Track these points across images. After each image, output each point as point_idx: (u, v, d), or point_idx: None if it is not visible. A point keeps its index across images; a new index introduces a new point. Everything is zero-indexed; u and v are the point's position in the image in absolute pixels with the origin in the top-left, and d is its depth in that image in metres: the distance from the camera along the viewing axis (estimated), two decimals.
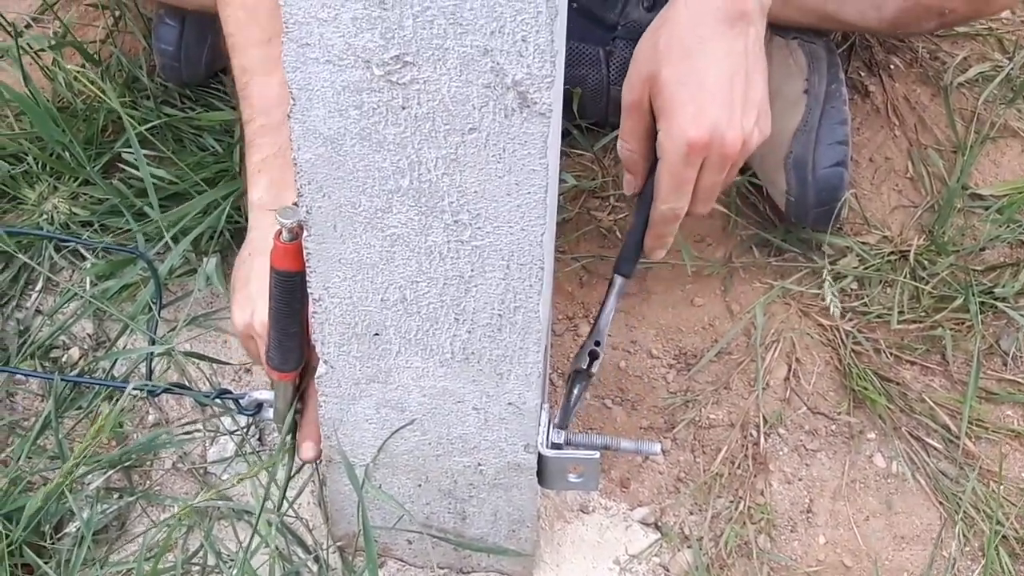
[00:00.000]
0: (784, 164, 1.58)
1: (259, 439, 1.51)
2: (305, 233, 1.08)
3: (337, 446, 1.29)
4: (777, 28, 1.64)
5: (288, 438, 1.35)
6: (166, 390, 1.38)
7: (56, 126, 1.61)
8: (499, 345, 1.15)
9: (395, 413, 1.24)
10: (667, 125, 1.27)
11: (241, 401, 1.36)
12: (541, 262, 1.06)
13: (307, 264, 1.10)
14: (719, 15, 1.26)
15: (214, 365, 1.54)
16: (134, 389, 1.36)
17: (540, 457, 1.30)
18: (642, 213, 1.36)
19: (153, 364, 1.48)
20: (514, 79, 0.93)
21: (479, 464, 1.28)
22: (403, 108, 0.96)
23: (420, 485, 1.32)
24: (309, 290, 1.13)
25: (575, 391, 1.37)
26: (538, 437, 1.28)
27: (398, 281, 1.10)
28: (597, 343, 1.35)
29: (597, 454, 1.30)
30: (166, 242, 1.57)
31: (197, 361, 1.52)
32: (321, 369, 1.21)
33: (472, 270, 1.08)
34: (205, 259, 1.55)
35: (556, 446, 1.31)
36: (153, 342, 1.43)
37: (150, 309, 1.49)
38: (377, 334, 1.15)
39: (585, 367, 1.37)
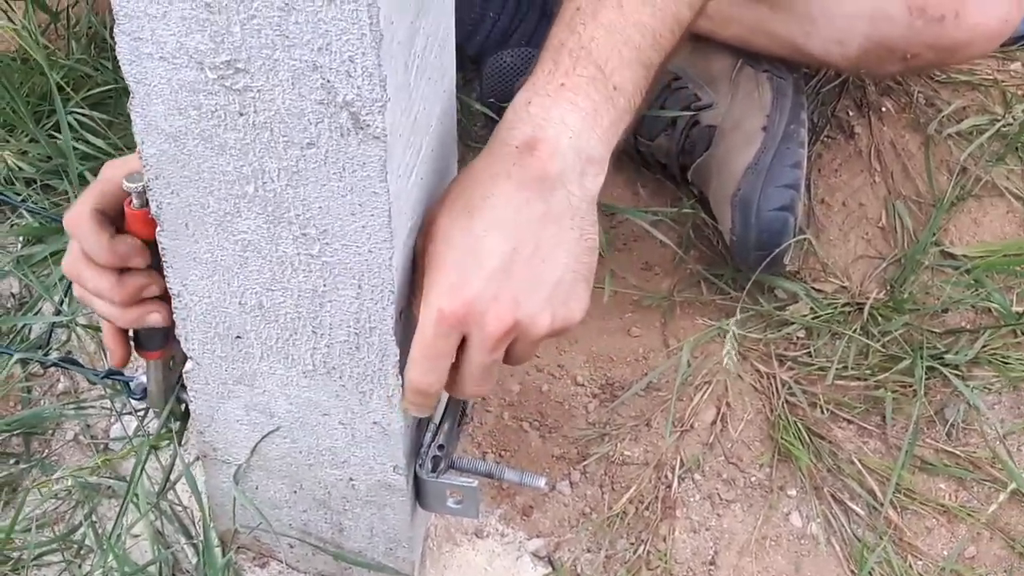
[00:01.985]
0: (731, 201, 1.53)
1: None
2: (158, 228, 1.05)
3: (210, 443, 1.26)
4: (749, 57, 1.59)
5: (169, 423, 1.32)
6: (55, 364, 1.35)
7: None
8: (359, 364, 1.11)
9: (264, 417, 1.21)
10: (425, 287, 1.06)
11: (131, 384, 1.33)
12: (392, 285, 1.03)
13: (163, 259, 1.07)
14: (514, 175, 1.05)
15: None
16: (21, 359, 1.33)
17: (417, 479, 1.26)
18: None
19: (63, 335, 1.45)
20: (345, 99, 0.89)
21: (351, 479, 1.25)
22: (240, 115, 0.93)
23: (295, 492, 1.29)
24: (168, 285, 1.10)
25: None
26: (416, 459, 1.25)
27: (254, 287, 1.07)
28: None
29: (475, 482, 1.26)
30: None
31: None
32: (188, 365, 1.18)
33: (325, 285, 1.04)
34: None
35: (436, 470, 1.28)
36: (58, 312, 1.40)
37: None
38: (239, 337, 1.12)
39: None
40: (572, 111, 1.07)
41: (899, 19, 1.46)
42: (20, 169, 1.63)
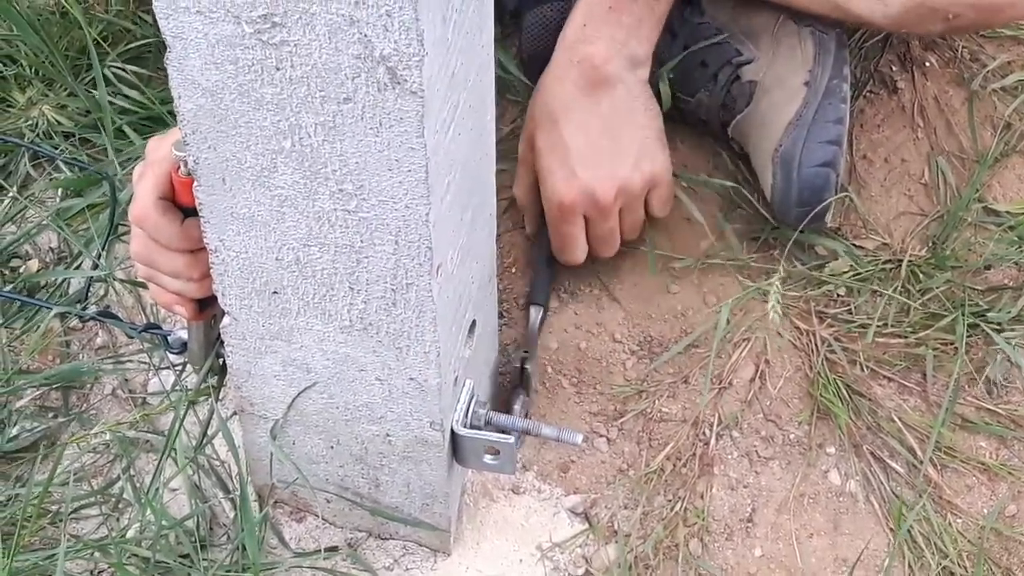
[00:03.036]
0: (773, 157, 1.52)
1: None
2: (196, 183, 1.04)
3: (247, 398, 1.26)
4: (790, 13, 1.56)
5: (207, 379, 1.32)
6: (93, 318, 1.36)
7: (36, 33, 1.59)
8: (395, 320, 1.11)
9: (301, 373, 1.21)
10: (543, 188, 1.44)
11: (168, 338, 1.34)
12: (429, 241, 1.02)
13: (200, 215, 1.07)
14: (579, 83, 1.41)
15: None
16: (60, 312, 1.34)
17: (454, 435, 1.26)
18: (543, 249, 1.54)
19: (101, 289, 1.45)
20: (382, 53, 0.88)
21: (387, 435, 1.25)
22: (277, 69, 0.92)
23: (332, 447, 1.29)
24: (205, 241, 1.10)
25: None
26: (453, 414, 1.25)
27: (290, 242, 1.06)
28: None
29: (512, 438, 1.26)
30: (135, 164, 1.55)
31: (143, 290, 1.50)
32: (225, 320, 1.18)
33: (362, 241, 1.04)
34: None
35: (475, 426, 1.28)
36: (96, 266, 1.41)
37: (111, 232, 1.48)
38: (276, 292, 1.12)
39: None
40: (619, 28, 1.41)
41: None
42: (58, 123, 1.63)
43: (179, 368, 1.45)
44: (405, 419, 1.22)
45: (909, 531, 1.44)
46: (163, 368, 1.46)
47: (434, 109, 0.94)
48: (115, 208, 1.44)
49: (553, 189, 1.43)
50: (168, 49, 0.94)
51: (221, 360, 1.31)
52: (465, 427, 1.26)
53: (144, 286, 1.47)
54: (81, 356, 1.51)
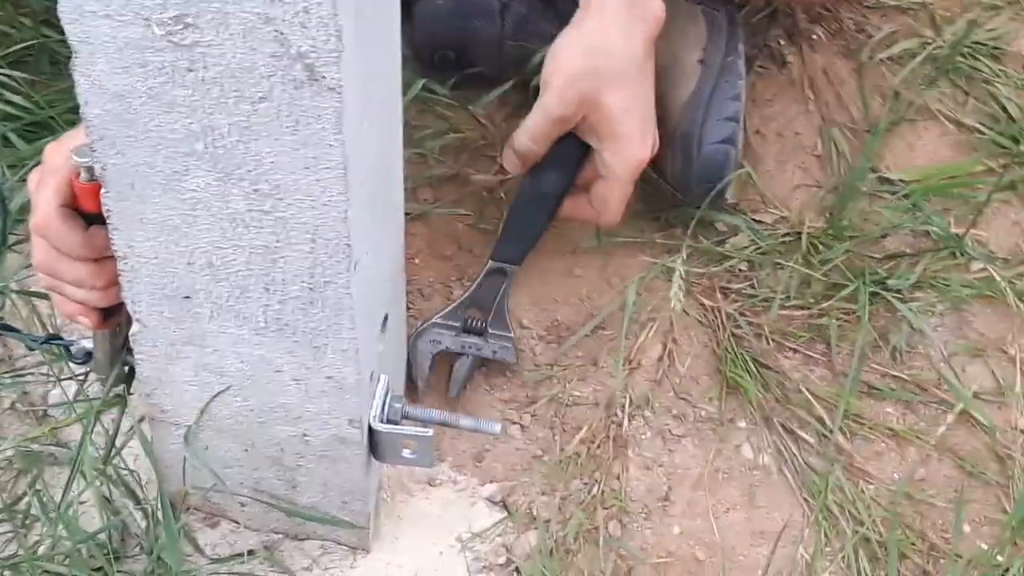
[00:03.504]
0: (672, 137, 1.52)
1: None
2: (103, 190, 1.02)
3: (158, 405, 1.24)
4: None
5: (113, 389, 1.29)
6: None
7: None
8: (312, 319, 1.09)
9: (214, 377, 1.18)
10: (617, 147, 1.41)
11: (71, 348, 1.30)
12: (347, 239, 1.01)
13: (108, 221, 1.04)
14: (646, 41, 1.39)
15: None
16: None
17: (371, 431, 1.25)
18: (527, 198, 1.49)
19: None
20: (299, 51, 0.87)
21: (304, 435, 1.23)
22: (189, 71, 0.90)
23: (247, 450, 1.27)
24: (113, 247, 1.07)
25: (463, 368, 1.46)
26: (370, 411, 1.23)
27: (203, 246, 1.04)
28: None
29: (431, 431, 1.25)
30: (24, 173, 1.51)
31: (39, 301, 1.46)
32: (135, 327, 1.15)
33: (278, 241, 1.02)
34: None
35: (392, 420, 1.26)
36: None
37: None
38: (187, 297, 1.10)
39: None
40: None
41: None
42: None
43: (81, 378, 1.42)
44: (323, 418, 1.20)
45: (824, 501, 1.45)
46: (63, 379, 1.43)
47: (351, 105, 0.92)
48: (5, 218, 1.40)
49: (632, 150, 1.41)
50: (75, 54, 0.91)
51: (127, 368, 1.28)
52: (382, 423, 1.25)
53: (44, 296, 1.43)
54: None
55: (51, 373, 1.44)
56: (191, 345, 1.15)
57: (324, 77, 0.88)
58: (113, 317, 1.21)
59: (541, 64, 1.50)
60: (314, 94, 0.89)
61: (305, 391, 1.17)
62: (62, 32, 1.60)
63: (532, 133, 1.43)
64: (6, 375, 1.45)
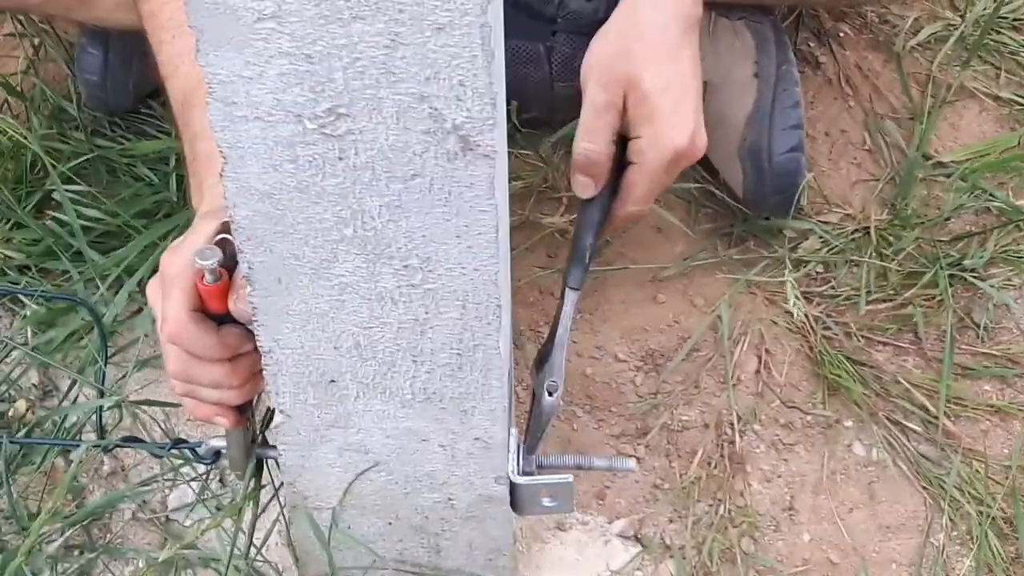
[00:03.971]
0: (739, 152, 1.54)
1: (220, 481, 1.46)
2: (249, 288, 1.02)
3: (300, 492, 1.24)
4: (720, 8, 1.59)
5: (251, 484, 1.30)
6: (118, 445, 1.32)
7: None
8: (461, 383, 1.10)
9: (359, 456, 1.19)
10: (651, 131, 1.30)
11: (198, 450, 1.31)
12: (498, 300, 1.01)
13: (254, 318, 1.05)
14: (683, 22, 1.31)
15: (167, 409, 1.48)
16: (87, 448, 1.30)
17: (512, 485, 1.25)
18: (592, 215, 1.35)
19: (104, 415, 1.42)
20: (454, 123, 0.88)
21: (450, 499, 1.24)
22: (340, 159, 0.91)
23: (390, 523, 1.27)
24: (258, 342, 1.08)
25: (541, 417, 1.33)
26: (508, 466, 1.24)
27: (350, 328, 1.05)
28: (553, 381, 1.30)
29: (570, 477, 1.26)
30: (109, 283, 1.52)
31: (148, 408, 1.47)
32: (278, 419, 1.16)
33: (427, 312, 1.03)
34: None
35: (527, 472, 1.27)
36: (102, 394, 1.37)
37: (96, 359, 1.44)
38: (333, 381, 1.10)
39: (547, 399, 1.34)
40: None
41: None
42: (9, 258, 1.59)
43: (204, 478, 1.43)
44: (469, 480, 1.21)
45: (942, 485, 1.46)
46: (189, 480, 1.43)
47: (500, 168, 0.93)
48: (103, 331, 1.40)
49: (668, 134, 1.30)
50: (225, 160, 0.92)
51: (259, 461, 1.29)
52: (520, 475, 1.25)
53: (151, 402, 1.44)
54: (92, 487, 1.47)
55: (177, 478, 1.44)
56: (335, 428, 1.16)
57: (479, 145, 0.89)
58: (246, 412, 1.21)
59: None
60: (468, 163, 0.90)
61: (452, 456, 1.18)
62: (114, 141, 1.64)
63: (585, 131, 1.34)
64: (139, 487, 1.45)
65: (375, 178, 0.92)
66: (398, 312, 1.03)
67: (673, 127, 1.29)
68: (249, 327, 1.08)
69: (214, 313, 1.12)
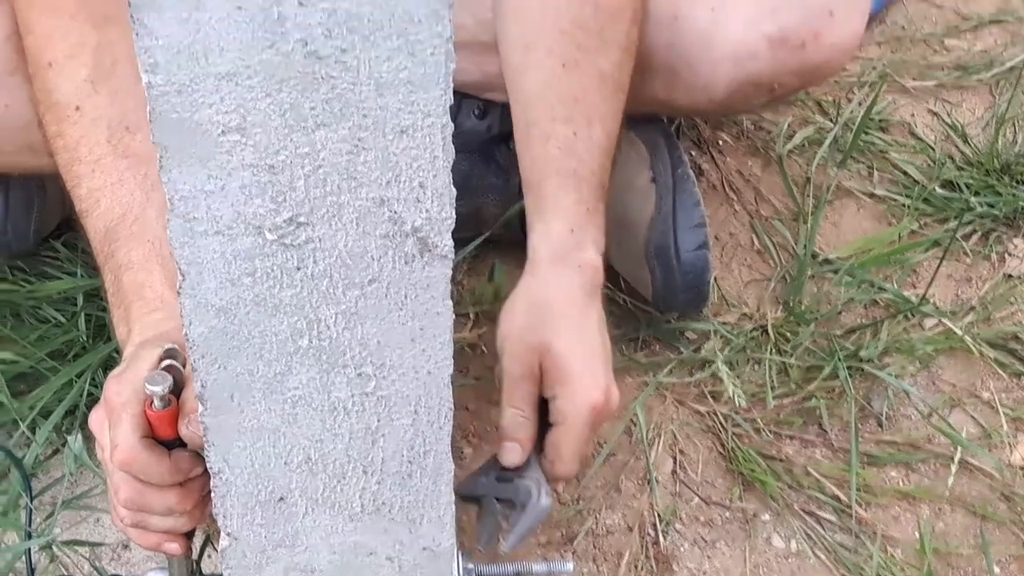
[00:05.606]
0: (645, 255, 1.57)
1: None
2: (200, 408, 1.02)
3: None
4: None
5: None
6: None
7: None
8: (410, 491, 1.10)
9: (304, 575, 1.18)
10: (568, 392, 1.30)
11: None
12: (449, 403, 1.03)
13: (205, 439, 1.05)
14: (586, 289, 1.35)
15: (94, 548, 1.46)
16: None
17: None
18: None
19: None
20: (413, 225, 0.89)
21: None
22: (298, 269, 0.92)
23: None
24: (208, 463, 1.07)
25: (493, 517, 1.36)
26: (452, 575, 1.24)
27: (302, 442, 1.05)
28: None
29: None
30: (25, 424, 1.50)
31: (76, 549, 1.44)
32: (224, 542, 1.14)
33: (379, 420, 1.03)
34: (68, 438, 1.48)
35: None
36: (30, 536, 1.35)
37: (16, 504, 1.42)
38: (282, 499, 1.10)
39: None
40: (597, 229, 1.38)
41: (762, 54, 1.49)
42: None
43: None
44: None
45: (861, 573, 1.49)
46: None
47: (452, 267, 0.95)
48: (25, 473, 1.38)
49: (583, 393, 1.30)
50: (182, 277, 0.92)
51: None
52: None
53: (80, 542, 1.42)
54: None
55: None
56: (282, 548, 1.15)
57: (437, 246, 0.91)
58: (191, 539, 1.20)
59: (493, 217, 1.56)
60: (425, 265, 0.92)
61: (399, 567, 1.18)
62: (16, 284, 1.62)
63: (507, 400, 1.34)
64: None
65: (332, 286, 0.93)
66: (350, 422, 1.03)
67: (586, 386, 1.31)
68: (198, 451, 1.08)
69: (163, 439, 1.11)
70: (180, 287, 0.93)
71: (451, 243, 0.91)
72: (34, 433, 1.49)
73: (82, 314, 1.58)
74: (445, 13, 0.78)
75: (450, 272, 0.93)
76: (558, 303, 1.33)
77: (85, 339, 1.57)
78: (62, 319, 1.60)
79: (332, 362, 0.98)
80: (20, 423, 1.49)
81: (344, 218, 0.89)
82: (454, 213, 0.92)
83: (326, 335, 0.96)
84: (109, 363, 1.52)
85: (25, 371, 1.55)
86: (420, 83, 0.82)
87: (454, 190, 0.90)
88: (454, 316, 0.95)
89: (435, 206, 0.88)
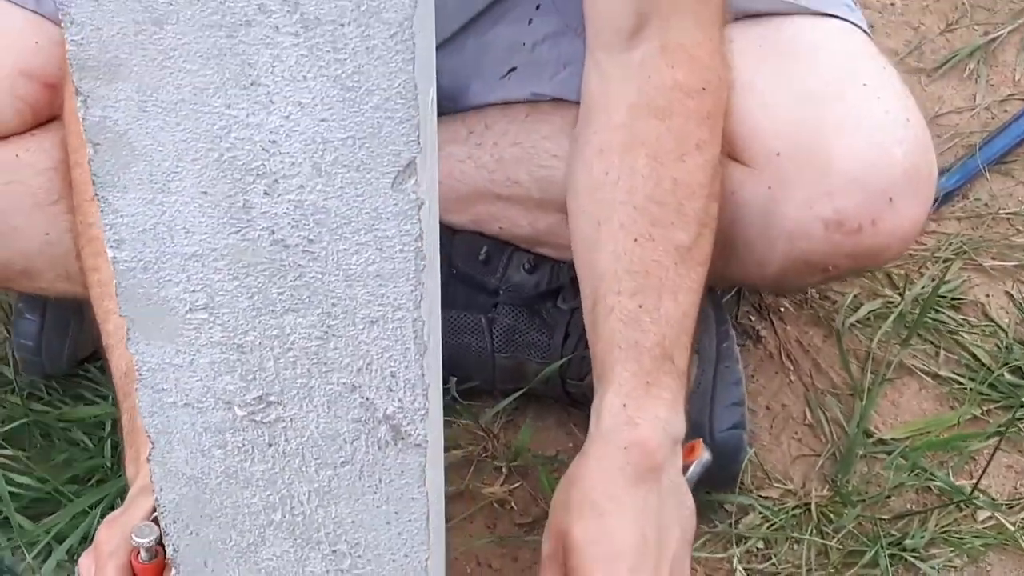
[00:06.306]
0: None
1: None
2: (174, 572, 1.01)
3: None
4: None
5: None
6: None
7: None
8: None
9: None
10: None
11: None
12: None
13: None
14: (628, 472, 1.23)
15: None
16: None
17: None
18: None
19: None
20: (385, 413, 0.88)
21: None
22: (270, 446, 0.90)
23: None
24: None
25: None
26: None
27: None
28: None
29: None
30: (37, 551, 1.49)
31: None
32: None
33: None
34: (77, 567, 1.46)
35: None
36: None
37: None
38: None
39: None
40: (661, 405, 1.26)
41: (817, 236, 1.43)
42: None
43: None
44: None
45: None
46: None
47: (433, 457, 0.93)
48: None
49: None
50: (152, 445, 0.91)
51: None
52: None
53: None
54: None
55: None
56: None
57: (410, 435, 0.89)
58: None
59: (534, 373, 1.53)
60: (399, 452, 0.90)
61: None
62: (50, 405, 1.63)
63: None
64: None
65: (304, 464, 0.92)
66: None
67: None
68: None
69: None
70: (150, 455, 0.92)
71: (426, 432, 0.89)
72: (45, 560, 1.49)
73: (109, 440, 1.58)
74: (414, 213, 0.77)
75: (426, 460, 0.91)
76: (589, 486, 1.23)
77: (109, 467, 1.56)
78: (90, 444, 1.60)
79: (306, 537, 0.97)
80: (28, 549, 1.49)
81: (315, 400, 0.88)
82: (434, 404, 0.90)
83: (299, 511, 0.95)
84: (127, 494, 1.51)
85: (43, 496, 1.55)
86: (389, 277, 0.81)
87: (430, 381, 0.88)
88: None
89: (407, 396, 0.86)
